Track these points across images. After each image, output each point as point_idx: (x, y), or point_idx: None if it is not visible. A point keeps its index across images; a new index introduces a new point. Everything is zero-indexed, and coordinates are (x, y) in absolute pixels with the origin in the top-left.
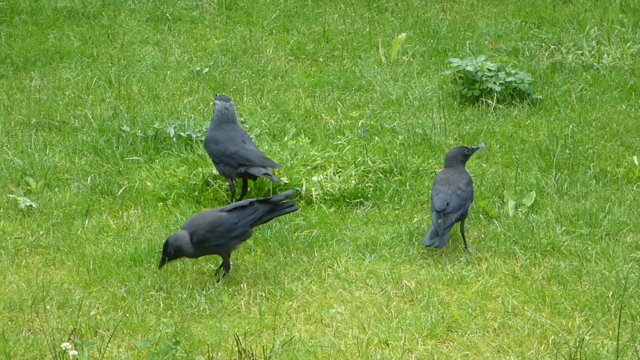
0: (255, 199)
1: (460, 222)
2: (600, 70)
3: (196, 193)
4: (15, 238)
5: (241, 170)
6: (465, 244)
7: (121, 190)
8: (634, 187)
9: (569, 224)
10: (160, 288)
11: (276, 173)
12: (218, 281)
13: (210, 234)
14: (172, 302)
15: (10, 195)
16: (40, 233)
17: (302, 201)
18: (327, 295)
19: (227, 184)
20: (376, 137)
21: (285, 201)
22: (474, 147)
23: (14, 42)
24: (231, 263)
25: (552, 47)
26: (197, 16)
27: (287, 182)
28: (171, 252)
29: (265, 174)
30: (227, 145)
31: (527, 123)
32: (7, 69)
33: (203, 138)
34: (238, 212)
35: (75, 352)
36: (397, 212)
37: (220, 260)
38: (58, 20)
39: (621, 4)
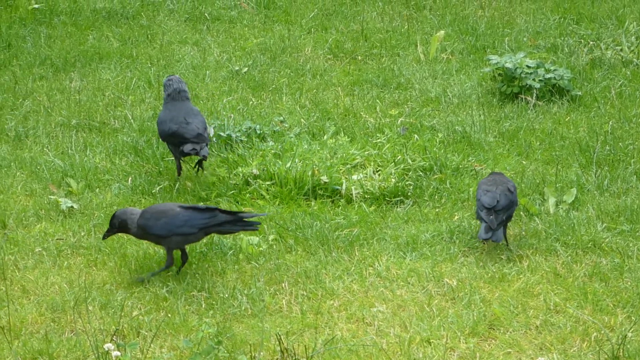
0: (218, 207)
1: (504, 226)
2: None
3: (236, 192)
4: (57, 239)
5: (182, 148)
6: (507, 243)
7: (158, 188)
8: None
9: (610, 221)
10: (202, 288)
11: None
12: (152, 274)
13: (152, 222)
14: (214, 302)
15: (52, 197)
16: (82, 234)
17: (342, 200)
18: (368, 294)
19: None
20: (416, 135)
21: (251, 220)
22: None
23: (54, 44)
24: (186, 257)
25: (591, 43)
26: (235, 16)
27: (326, 181)
28: (116, 224)
29: (193, 149)
30: (170, 125)
31: (566, 119)
32: (47, 70)
33: (243, 138)
34: (191, 211)
35: (118, 353)
36: (437, 210)
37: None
38: (97, 21)
39: None
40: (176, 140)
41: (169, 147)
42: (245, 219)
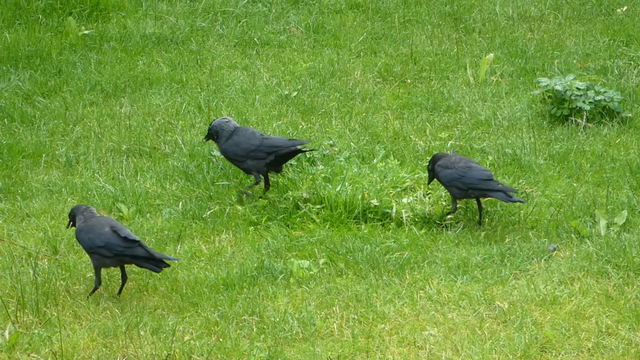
0: (140, 241)
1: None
2: None
3: (286, 216)
4: None
5: (271, 158)
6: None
7: (208, 212)
8: None
9: None
10: (253, 312)
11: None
12: (88, 296)
13: (83, 235)
14: (265, 326)
15: None
16: None
17: (392, 223)
18: (419, 318)
19: (299, 195)
20: None
21: (165, 261)
22: None
23: (104, 69)
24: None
25: None
26: (284, 40)
27: (376, 204)
28: (69, 217)
29: (297, 149)
30: (250, 142)
31: (617, 141)
32: (97, 95)
33: (293, 161)
34: (114, 236)
35: None
36: (488, 232)
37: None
38: (147, 46)
39: None
40: (263, 153)
41: (245, 165)
42: (160, 259)
